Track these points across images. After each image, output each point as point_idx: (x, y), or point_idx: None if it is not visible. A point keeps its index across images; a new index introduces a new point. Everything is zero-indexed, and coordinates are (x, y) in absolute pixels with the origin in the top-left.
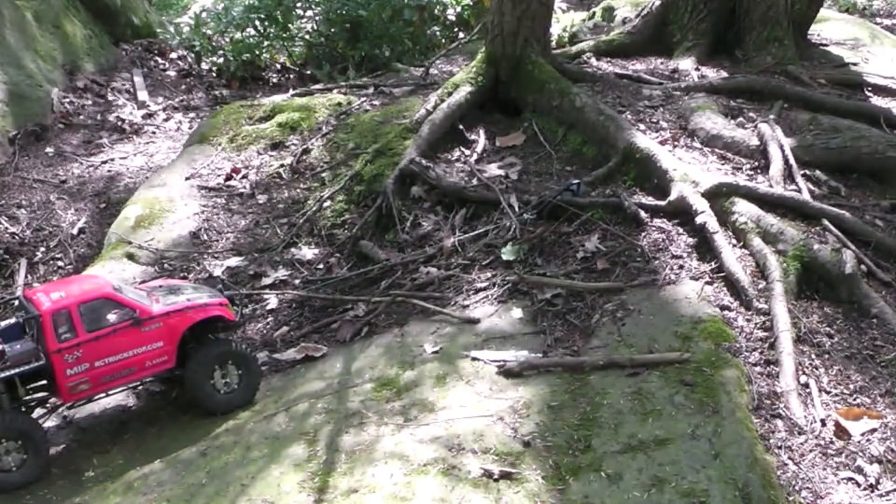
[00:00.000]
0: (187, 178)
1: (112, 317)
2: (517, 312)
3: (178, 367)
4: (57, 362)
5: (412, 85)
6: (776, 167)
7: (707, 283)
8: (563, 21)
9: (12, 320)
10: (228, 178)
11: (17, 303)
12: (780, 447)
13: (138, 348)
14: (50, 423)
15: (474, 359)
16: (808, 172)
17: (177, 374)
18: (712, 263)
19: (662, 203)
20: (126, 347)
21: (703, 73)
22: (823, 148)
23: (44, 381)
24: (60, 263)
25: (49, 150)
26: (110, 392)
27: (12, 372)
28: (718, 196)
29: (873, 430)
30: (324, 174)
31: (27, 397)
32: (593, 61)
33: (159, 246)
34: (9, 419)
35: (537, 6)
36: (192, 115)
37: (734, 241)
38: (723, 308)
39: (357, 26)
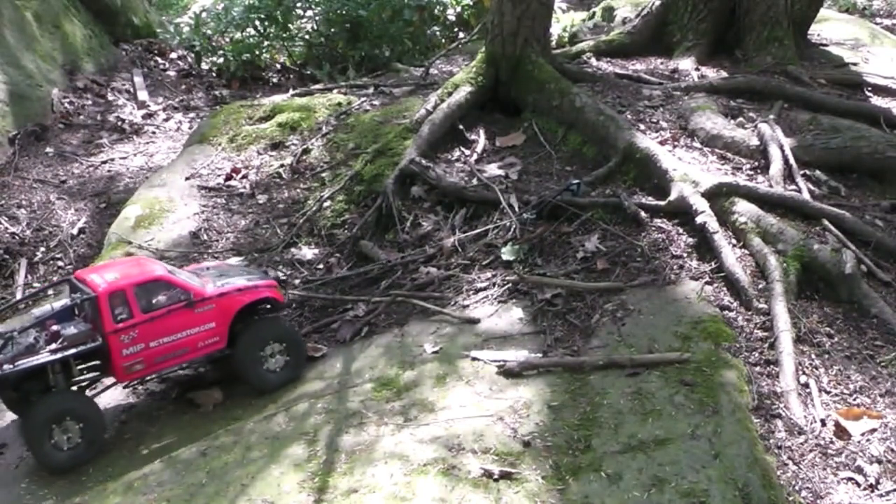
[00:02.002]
0: (187, 178)
1: (166, 298)
2: (517, 312)
3: (227, 347)
4: (113, 343)
5: (412, 85)
6: (776, 167)
7: (707, 283)
8: (563, 21)
9: (62, 302)
10: (228, 178)
11: (68, 285)
12: (780, 447)
13: (191, 329)
14: None
15: (474, 359)
16: (808, 172)
17: (226, 354)
18: (712, 263)
19: (662, 203)
20: (180, 328)
21: (703, 73)
22: (823, 148)
23: (97, 362)
24: (60, 263)
25: (49, 150)
26: (163, 372)
27: (70, 352)
28: (718, 196)
29: (873, 430)
30: (324, 174)
31: (80, 378)
32: (593, 61)
33: (159, 246)
34: (69, 398)
35: (537, 6)
36: (192, 115)
37: (734, 241)
38: (723, 308)
39: (357, 26)
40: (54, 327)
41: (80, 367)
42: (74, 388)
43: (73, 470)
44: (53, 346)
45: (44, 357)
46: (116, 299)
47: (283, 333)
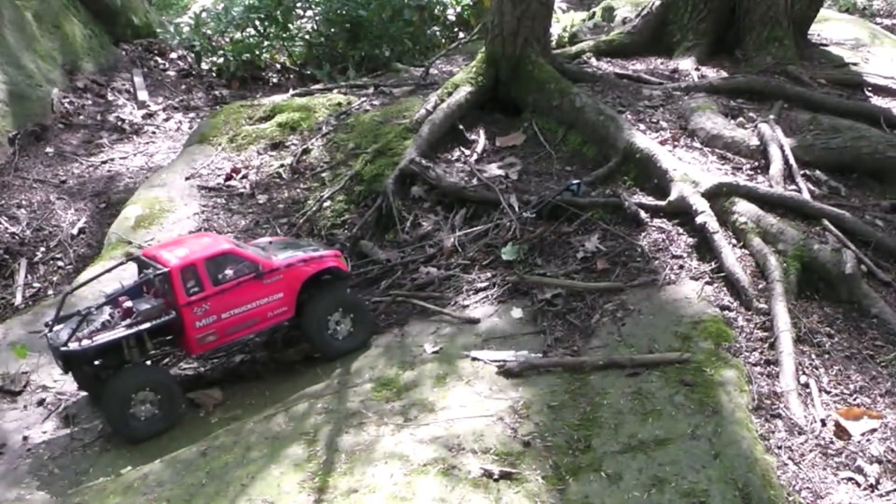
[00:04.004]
0: (187, 178)
1: (235, 270)
2: (517, 312)
3: (295, 317)
4: (186, 315)
5: (412, 85)
6: (776, 167)
7: (707, 283)
8: (563, 21)
9: (131, 281)
10: (228, 178)
11: (136, 264)
12: (780, 447)
13: (261, 300)
14: (50, 423)
15: (474, 359)
16: (808, 172)
17: (294, 323)
18: (712, 263)
19: (662, 203)
20: (249, 299)
21: (703, 73)
22: (823, 148)
23: (169, 336)
24: (60, 263)
25: (49, 150)
26: (234, 343)
27: (145, 326)
28: (718, 196)
29: (873, 430)
30: (324, 174)
31: (154, 352)
32: (593, 61)
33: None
34: (147, 370)
35: (537, 6)
36: (192, 115)
37: (734, 241)
38: (723, 308)
39: (357, 26)
40: (127, 304)
41: (153, 341)
42: (148, 362)
43: (150, 439)
44: (128, 321)
45: (120, 332)
46: (188, 273)
47: (349, 302)
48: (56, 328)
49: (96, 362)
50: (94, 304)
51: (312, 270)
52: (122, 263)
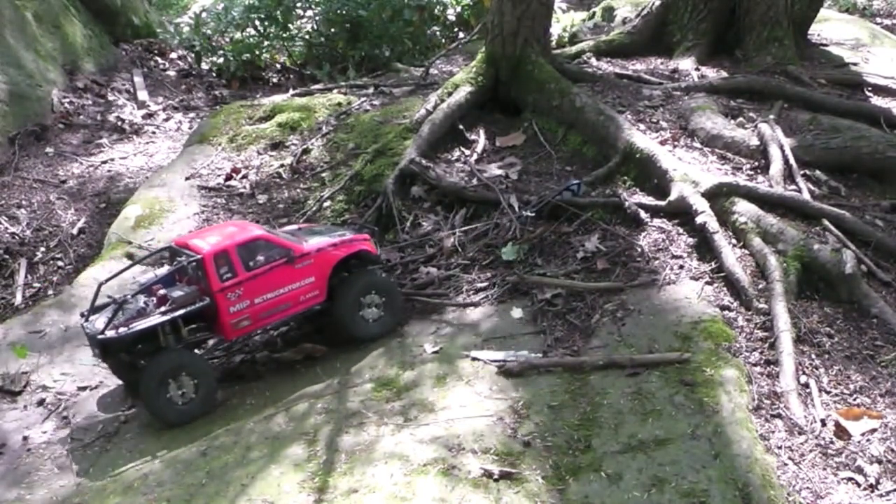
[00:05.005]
0: (187, 178)
1: (267, 256)
2: (517, 312)
3: (326, 300)
4: (220, 301)
5: (412, 85)
6: (776, 167)
7: (707, 283)
8: (563, 21)
9: (164, 270)
10: (228, 178)
11: (168, 252)
12: (780, 447)
13: (293, 284)
14: (50, 423)
15: (474, 359)
16: (808, 172)
17: (326, 307)
18: (712, 263)
19: (662, 203)
20: (282, 284)
21: (703, 73)
22: (823, 148)
23: (202, 323)
24: (60, 263)
25: (49, 150)
26: (268, 327)
27: (180, 312)
28: (718, 196)
29: (873, 430)
30: (324, 174)
31: (188, 339)
32: (593, 61)
33: (159, 246)
34: (183, 354)
35: (537, 6)
36: (192, 115)
37: (734, 241)
38: (723, 308)
39: (357, 26)
40: (161, 292)
41: (187, 327)
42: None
43: (187, 423)
44: (163, 308)
45: (156, 318)
46: (221, 259)
47: (380, 284)
48: (92, 318)
49: (138, 347)
50: (129, 292)
51: (343, 254)
52: (159, 252)
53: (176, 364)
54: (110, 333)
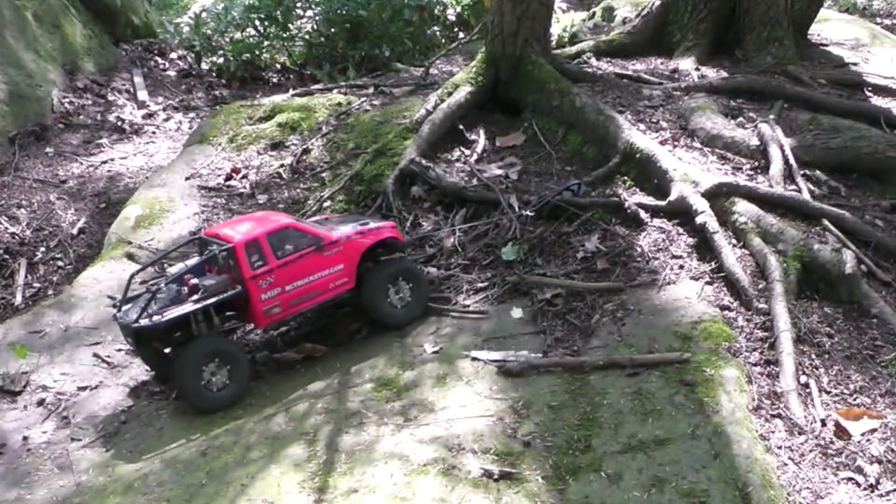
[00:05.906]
0: (187, 178)
1: (297, 244)
2: (517, 312)
3: (355, 288)
4: (252, 288)
5: (412, 85)
6: (776, 167)
7: (707, 283)
8: (563, 21)
9: (194, 260)
10: (228, 178)
11: (197, 243)
12: (780, 447)
13: (322, 271)
14: (50, 423)
15: (474, 359)
16: (808, 172)
17: (354, 294)
18: (712, 263)
19: (662, 203)
20: (312, 271)
21: (703, 73)
22: (823, 148)
23: (233, 312)
24: (60, 263)
25: (49, 150)
26: (298, 314)
27: (212, 300)
28: (718, 196)
29: (873, 430)
30: (324, 174)
31: (220, 327)
32: (593, 61)
33: (159, 246)
34: (217, 340)
35: (537, 6)
36: (192, 115)
37: (734, 241)
38: (723, 308)
39: (357, 26)
40: (193, 281)
41: (219, 316)
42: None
43: (223, 409)
44: (195, 297)
45: (189, 306)
46: (252, 247)
47: (407, 271)
48: (124, 308)
49: (172, 335)
50: (161, 281)
51: (370, 241)
52: (190, 241)
53: (208, 350)
54: (144, 322)
